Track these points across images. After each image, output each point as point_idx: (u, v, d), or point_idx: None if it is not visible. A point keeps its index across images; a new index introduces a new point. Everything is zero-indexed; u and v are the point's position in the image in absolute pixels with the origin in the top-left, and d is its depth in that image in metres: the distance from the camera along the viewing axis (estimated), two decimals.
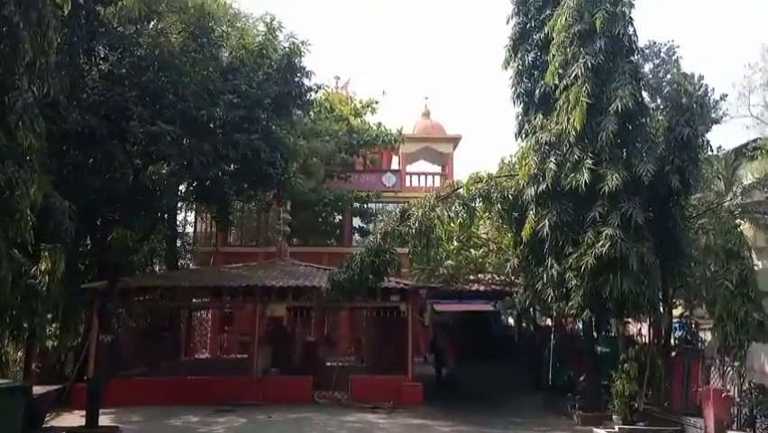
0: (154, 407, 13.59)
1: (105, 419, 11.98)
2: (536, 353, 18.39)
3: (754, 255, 16.45)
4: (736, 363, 10.92)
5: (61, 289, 10.59)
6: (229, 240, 27.23)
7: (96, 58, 15.01)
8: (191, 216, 27.64)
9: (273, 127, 16.59)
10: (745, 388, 10.70)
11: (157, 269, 22.84)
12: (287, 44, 17.10)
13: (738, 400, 10.72)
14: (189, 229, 28.31)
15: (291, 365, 16.70)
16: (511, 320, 26.33)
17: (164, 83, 14.54)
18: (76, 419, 12.32)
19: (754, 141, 21.02)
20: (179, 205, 22.41)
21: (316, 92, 19.08)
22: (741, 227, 14.03)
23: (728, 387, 10.98)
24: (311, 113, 21.55)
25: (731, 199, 18.56)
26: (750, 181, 20.93)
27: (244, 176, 16.35)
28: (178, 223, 24.67)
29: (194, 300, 18.35)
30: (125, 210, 15.69)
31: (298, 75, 17.16)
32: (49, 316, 11.88)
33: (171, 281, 16.44)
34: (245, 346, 18.91)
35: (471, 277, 19.16)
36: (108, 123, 13.88)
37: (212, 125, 15.27)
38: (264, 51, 16.82)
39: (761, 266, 22.28)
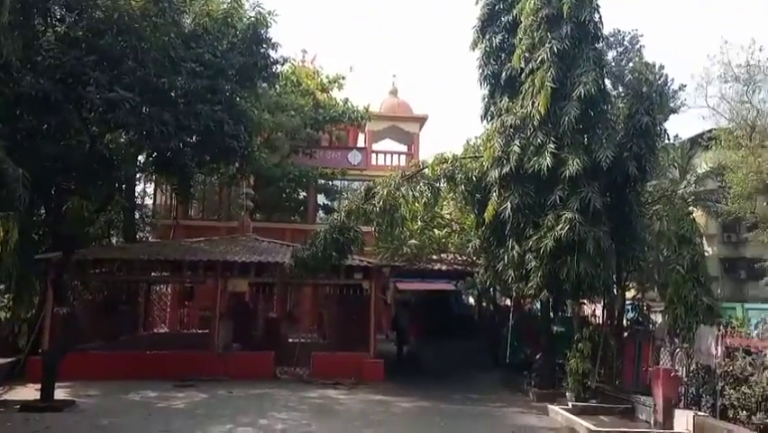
0: (112, 381, 13.36)
1: (60, 393, 11.72)
2: (495, 331, 18.80)
3: (705, 242, 17.13)
4: (685, 345, 11.31)
5: (14, 259, 10.24)
6: (190, 213, 26.76)
7: (51, 19, 14.33)
8: (150, 188, 26.99)
9: (237, 99, 16.23)
10: (692, 368, 11.11)
11: (114, 241, 22.28)
12: (253, 14, 16.61)
13: (686, 379, 11.15)
14: (148, 201, 27.65)
15: (253, 341, 16.65)
16: (472, 300, 26.82)
17: (123, 48, 13.94)
18: (30, 392, 12.05)
19: (710, 131, 21.73)
20: (138, 176, 21.86)
21: (282, 65, 18.66)
22: (693, 214, 14.53)
23: (677, 367, 11.37)
24: (276, 86, 21.08)
25: (685, 187, 19.21)
26: (704, 170, 21.71)
27: (206, 148, 15.95)
28: (136, 194, 24.01)
29: (153, 274, 18.02)
30: (81, 179, 15.20)
31: (264, 46, 16.72)
32: (1, 286, 11.53)
33: (129, 254, 16.09)
34: (206, 321, 18.72)
35: (434, 257, 19.32)
36: (64, 87, 13.32)
37: (173, 94, 14.79)
38: (229, 20, 16.28)
39: (711, 252, 23.23)
